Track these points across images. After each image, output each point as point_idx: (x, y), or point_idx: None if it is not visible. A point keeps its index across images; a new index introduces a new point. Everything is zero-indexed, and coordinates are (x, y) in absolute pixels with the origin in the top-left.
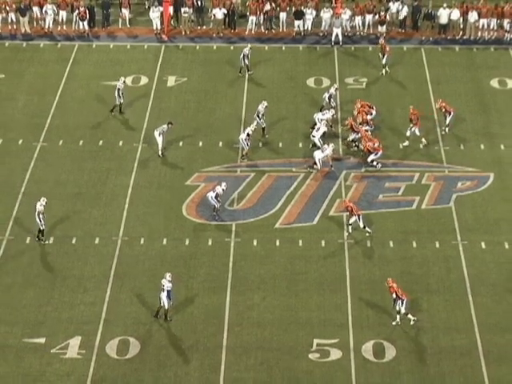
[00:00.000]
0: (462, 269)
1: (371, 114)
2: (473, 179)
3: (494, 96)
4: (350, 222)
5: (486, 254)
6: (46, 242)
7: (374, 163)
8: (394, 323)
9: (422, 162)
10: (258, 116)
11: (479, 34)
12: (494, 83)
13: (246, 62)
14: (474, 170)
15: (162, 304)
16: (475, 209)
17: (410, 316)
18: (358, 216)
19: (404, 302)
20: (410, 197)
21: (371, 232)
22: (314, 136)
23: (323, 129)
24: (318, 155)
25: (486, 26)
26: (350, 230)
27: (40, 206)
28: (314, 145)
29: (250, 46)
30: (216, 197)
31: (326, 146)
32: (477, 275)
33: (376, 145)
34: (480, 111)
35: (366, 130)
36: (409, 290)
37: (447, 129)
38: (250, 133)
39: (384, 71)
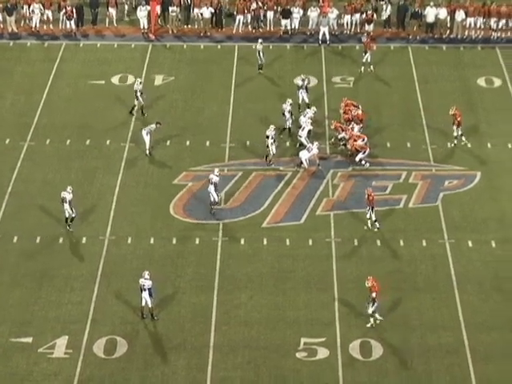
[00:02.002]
0: (449, 267)
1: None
2: (460, 178)
3: (481, 95)
4: (368, 215)
5: (473, 253)
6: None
7: (362, 162)
8: (368, 325)
9: (409, 160)
10: (284, 114)
11: (466, 32)
12: (481, 82)
13: (263, 58)
14: (461, 168)
15: (144, 303)
16: (462, 207)
17: (377, 315)
18: (372, 208)
19: (376, 303)
20: (398, 195)
21: (380, 228)
22: (300, 136)
23: (308, 127)
24: (303, 155)
25: (472, 25)
26: (378, 225)
27: (69, 194)
28: (301, 144)
29: (260, 40)
30: (215, 188)
31: (311, 145)
32: (463, 273)
33: (364, 142)
34: (467, 110)
35: (353, 128)
36: (396, 289)
37: (463, 138)
38: (270, 134)
39: (363, 69)
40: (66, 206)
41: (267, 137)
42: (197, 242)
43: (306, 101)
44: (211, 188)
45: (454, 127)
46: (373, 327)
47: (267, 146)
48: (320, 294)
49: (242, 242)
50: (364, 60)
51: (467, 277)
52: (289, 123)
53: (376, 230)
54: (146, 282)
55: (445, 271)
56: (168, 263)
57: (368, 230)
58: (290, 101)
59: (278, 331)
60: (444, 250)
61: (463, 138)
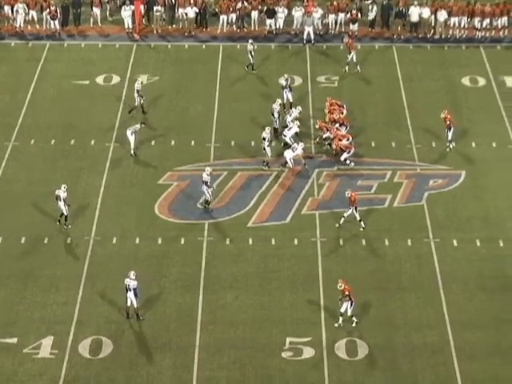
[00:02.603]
0: (434, 266)
1: (342, 113)
2: (444, 177)
3: (466, 94)
4: (345, 214)
5: (458, 252)
6: (70, 227)
7: (347, 162)
8: (336, 325)
9: (394, 160)
10: (273, 115)
11: (450, 32)
12: (466, 81)
13: (252, 58)
14: (446, 167)
15: (129, 304)
16: (447, 206)
17: (354, 318)
18: (355, 208)
19: (352, 304)
20: (383, 195)
21: (365, 227)
22: (285, 135)
23: (295, 129)
24: (288, 154)
25: (457, 25)
26: (342, 222)
27: (63, 192)
28: (286, 144)
29: (250, 41)
30: (206, 184)
31: (295, 144)
32: (448, 272)
33: (348, 141)
34: (451, 109)
35: (338, 129)
36: (381, 288)
37: (451, 145)
38: (266, 136)
39: (347, 68)
40: (61, 203)
41: (263, 139)
42: (182, 241)
43: (290, 100)
44: (204, 187)
45: (446, 130)
46: (357, 325)
47: (263, 149)
48: (305, 293)
49: (228, 241)
50: (348, 60)
51: (452, 276)
52: (277, 124)
53: (361, 229)
54: (131, 282)
55: (430, 270)
56: (153, 263)
57: (339, 226)
58: (279, 101)
59: (264, 331)
60: (429, 249)
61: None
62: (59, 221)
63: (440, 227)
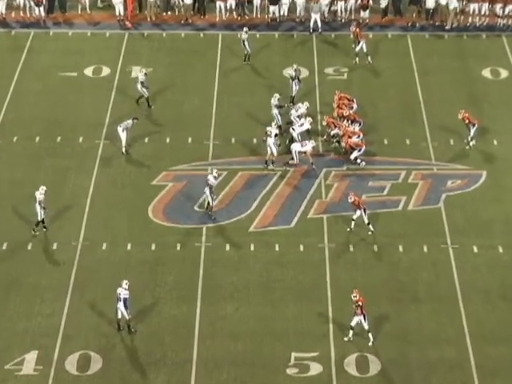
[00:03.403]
0: (453, 275)
1: (352, 108)
2: (464, 177)
3: (486, 87)
4: (354, 217)
5: (478, 259)
6: (39, 232)
7: (358, 161)
8: (346, 339)
9: (408, 158)
10: (280, 107)
11: (470, 19)
12: (486, 73)
13: (248, 48)
14: (465, 167)
15: (119, 315)
16: (466, 209)
17: (370, 335)
18: (364, 210)
19: (366, 318)
20: (396, 197)
21: (373, 231)
22: (293, 130)
23: (307, 126)
24: (295, 147)
25: (476, 11)
26: (353, 226)
27: (40, 195)
28: (292, 140)
29: (245, 29)
30: (211, 190)
31: (306, 141)
32: (468, 281)
33: (359, 139)
34: (471, 104)
35: (348, 126)
36: (395, 298)
37: (471, 143)
38: (277, 132)
39: (357, 59)
40: (37, 206)
41: (269, 134)
42: (178, 247)
43: (293, 93)
44: (207, 190)
45: (470, 127)
46: (373, 344)
47: (268, 146)
48: (312, 304)
49: (228, 247)
50: (357, 50)
51: (472, 285)
52: (280, 121)
53: (370, 233)
54: (122, 291)
55: (447, 279)
56: (146, 271)
57: (350, 231)
58: (277, 96)
59: (267, 345)
60: (447, 256)
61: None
62: (34, 229)
63: (459, 232)
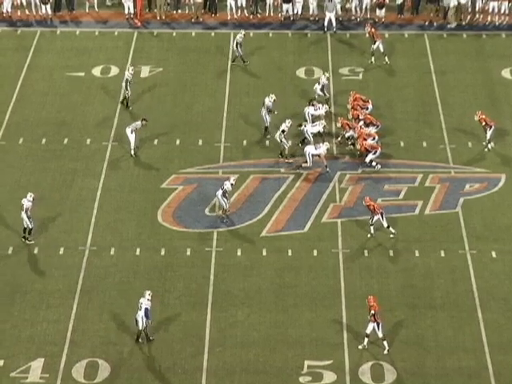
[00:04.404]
0: (470, 281)
1: (367, 109)
2: (482, 181)
3: (506, 88)
4: (373, 221)
5: (497, 265)
6: (32, 242)
7: (373, 163)
8: (360, 347)
9: (425, 161)
10: (270, 111)
11: (489, 18)
12: (506, 74)
13: (240, 51)
14: (484, 170)
15: (140, 326)
16: (485, 214)
17: (385, 343)
18: (381, 214)
19: (380, 325)
20: (413, 201)
21: (395, 233)
22: (306, 129)
23: (319, 128)
24: (309, 150)
25: (496, 10)
26: (373, 231)
27: (28, 202)
28: (303, 141)
29: (243, 32)
30: (224, 194)
31: (320, 144)
32: (486, 288)
33: (374, 141)
34: (490, 105)
35: (361, 127)
36: (411, 305)
37: (490, 145)
38: (286, 129)
39: (373, 59)
40: (23, 214)
41: (282, 131)
42: (188, 252)
43: (327, 96)
44: (220, 194)
45: (487, 129)
46: (389, 352)
47: (280, 141)
48: (326, 311)
49: (239, 252)
50: (373, 49)
51: (490, 292)
52: (265, 122)
53: (392, 236)
54: (144, 301)
55: (465, 285)
56: (155, 277)
57: (372, 237)
58: (273, 97)
59: (279, 353)
60: (465, 262)
61: (489, 145)
62: (24, 237)
63: (477, 237)
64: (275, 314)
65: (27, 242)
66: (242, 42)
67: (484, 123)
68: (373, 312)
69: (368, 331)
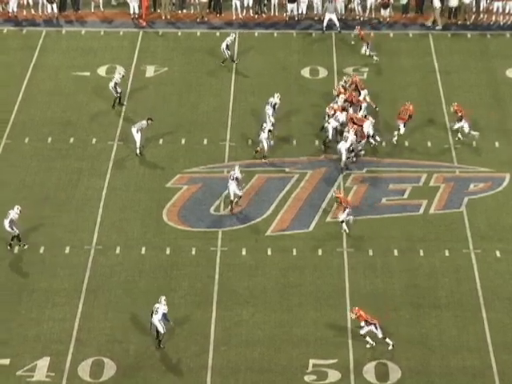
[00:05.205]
0: (475, 280)
1: (360, 108)
2: (487, 180)
3: (510, 88)
4: (344, 218)
5: (502, 264)
6: (26, 246)
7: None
8: (368, 346)
9: (429, 161)
10: (274, 108)
11: (493, 18)
12: (510, 73)
13: (229, 52)
14: (488, 170)
15: (155, 331)
16: (489, 213)
17: (388, 340)
18: (345, 209)
19: (377, 326)
20: (417, 200)
21: (348, 232)
22: (328, 122)
23: (342, 118)
24: (342, 146)
25: (501, 10)
26: (346, 228)
27: (15, 214)
28: (326, 142)
29: (234, 34)
30: (237, 181)
31: (346, 133)
32: (491, 288)
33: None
34: (494, 105)
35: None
36: (415, 305)
37: (459, 134)
38: (272, 129)
39: (376, 57)
40: (6, 223)
41: (263, 130)
42: (193, 252)
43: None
44: (233, 183)
45: (459, 120)
46: (394, 347)
47: (260, 141)
48: (330, 310)
49: (244, 252)
50: (364, 52)
51: (495, 291)
52: (270, 120)
53: (343, 231)
54: (161, 306)
55: (470, 285)
56: (161, 276)
57: (346, 233)
58: (279, 96)
59: (284, 352)
60: (469, 262)
61: (472, 133)
62: (10, 244)
63: (481, 237)
64: (280, 313)
65: (23, 247)
66: (231, 44)
67: (459, 113)
68: (363, 323)
69: (363, 332)
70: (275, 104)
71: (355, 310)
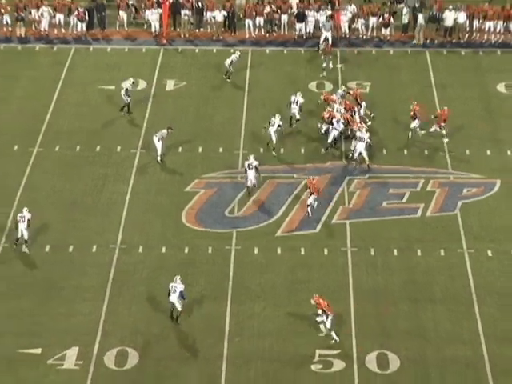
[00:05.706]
0: (468, 278)
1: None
2: (479, 186)
3: (501, 101)
4: (309, 202)
5: (493, 263)
6: (27, 250)
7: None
8: (321, 335)
9: (426, 168)
10: (296, 104)
11: (485, 36)
12: (501, 88)
13: (230, 68)
14: (480, 176)
15: (180, 307)
16: (481, 216)
17: (333, 334)
18: (311, 194)
19: (329, 317)
20: (415, 204)
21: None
22: (336, 129)
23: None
24: (359, 147)
25: (492, 29)
26: (309, 211)
27: (28, 213)
28: (326, 131)
29: (239, 53)
30: (256, 170)
31: (358, 132)
32: (483, 284)
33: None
34: (486, 116)
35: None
36: (413, 299)
37: (410, 133)
38: (281, 123)
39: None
40: (24, 227)
41: (272, 125)
42: (209, 250)
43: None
44: (251, 172)
45: (413, 120)
46: (336, 342)
47: (269, 134)
48: (335, 304)
49: (256, 251)
50: (325, 66)
51: (487, 287)
52: (296, 116)
53: (307, 215)
54: (178, 285)
55: (463, 282)
56: (180, 272)
57: (308, 217)
58: (300, 94)
59: (292, 343)
60: (462, 260)
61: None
62: (16, 243)
63: (474, 237)
64: (289, 307)
65: (25, 250)
66: (236, 61)
67: (413, 113)
68: (320, 311)
69: (319, 319)
70: (297, 101)
71: (315, 297)
